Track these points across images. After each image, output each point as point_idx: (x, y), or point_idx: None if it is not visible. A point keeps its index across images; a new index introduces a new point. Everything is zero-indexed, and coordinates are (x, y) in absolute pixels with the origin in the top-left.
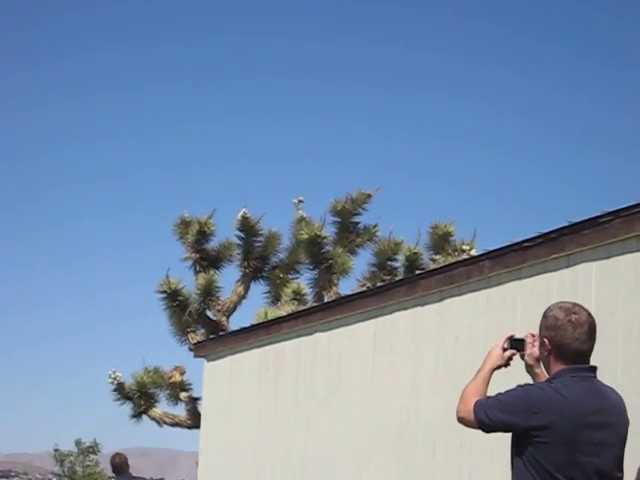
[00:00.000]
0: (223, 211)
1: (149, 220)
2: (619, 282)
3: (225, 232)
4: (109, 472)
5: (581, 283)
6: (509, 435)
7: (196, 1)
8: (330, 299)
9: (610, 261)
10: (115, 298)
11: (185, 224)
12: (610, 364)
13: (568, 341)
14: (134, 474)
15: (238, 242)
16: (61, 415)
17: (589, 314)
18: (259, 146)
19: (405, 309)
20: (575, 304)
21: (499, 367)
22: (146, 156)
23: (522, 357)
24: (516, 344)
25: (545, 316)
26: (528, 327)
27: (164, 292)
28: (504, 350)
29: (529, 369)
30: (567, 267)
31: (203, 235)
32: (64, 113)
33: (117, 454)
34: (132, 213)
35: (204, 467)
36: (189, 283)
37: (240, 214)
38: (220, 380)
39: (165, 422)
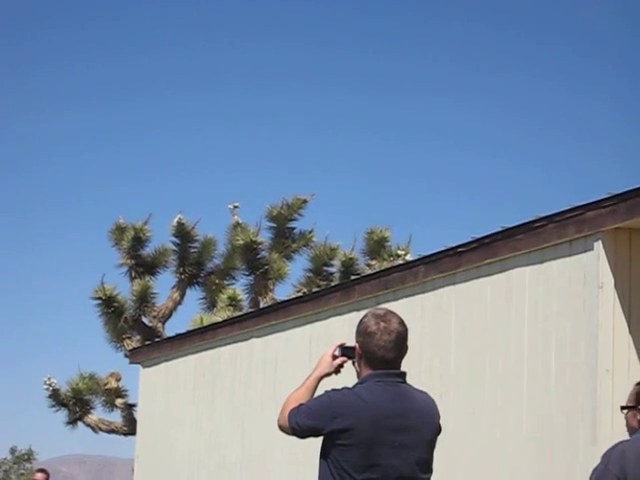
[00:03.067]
0: (159, 217)
1: (85, 225)
2: (552, 286)
3: (161, 238)
4: None
5: (515, 288)
6: None
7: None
8: (266, 305)
9: (543, 266)
10: (49, 302)
11: (120, 230)
12: (544, 369)
13: (375, 348)
14: None
15: (174, 248)
16: None
17: (400, 322)
18: (194, 152)
19: (341, 314)
20: (388, 311)
21: (328, 374)
22: (83, 162)
23: (354, 364)
24: (347, 352)
25: (360, 322)
26: (463, 332)
27: (99, 298)
28: (334, 358)
29: (359, 376)
30: (501, 272)
31: (139, 241)
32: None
33: (40, 469)
34: (68, 218)
35: (140, 474)
36: (124, 289)
37: (175, 220)
38: (156, 386)
39: (101, 429)
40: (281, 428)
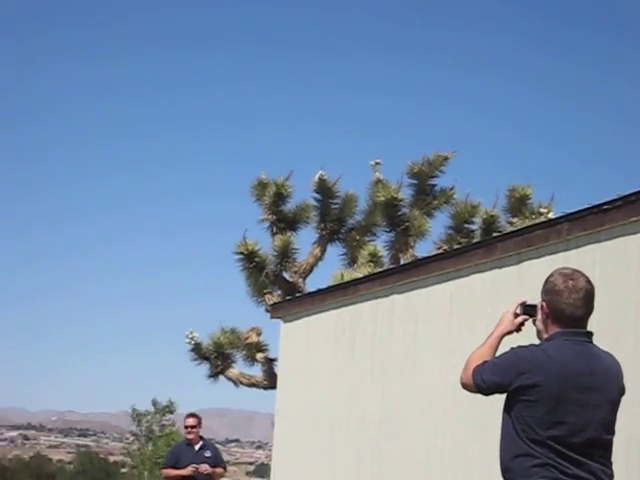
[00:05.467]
0: (300, 173)
1: (228, 180)
2: None
3: (302, 194)
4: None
5: None
6: None
7: None
8: (406, 261)
9: None
10: (193, 256)
11: (262, 186)
12: None
13: (563, 306)
14: (208, 435)
15: (315, 204)
16: (137, 375)
17: (588, 281)
18: (337, 109)
19: (482, 272)
20: (575, 270)
21: (510, 332)
22: (227, 115)
23: (534, 322)
24: (529, 310)
25: (546, 281)
26: (606, 290)
27: (241, 253)
28: (516, 316)
29: (539, 335)
30: None
31: (280, 197)
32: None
33: (191, 414)
34: (213, 173)
35: (280, 428)
36: (266, 245)
37: (317, 176)
38: (296, 341)
39: (242, 382)
40: (464, 386)
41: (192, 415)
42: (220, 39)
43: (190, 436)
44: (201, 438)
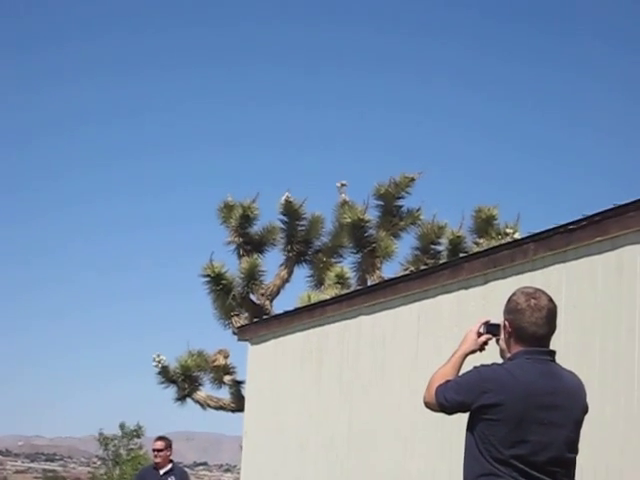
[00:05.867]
0: (266, 195)
1: (193, 203)
2: None
3: (268, 216)
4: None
5: (626, 266)
6: None
7: None
8: (373, 283)
9: None
10: (158, 281)
11: (228, 208)
12: None
13: (526, 325)
14: (176, 458)
15: (281, 226)
16: (105, 399)
17: (550, 299)
18: (303, 130)
19: (449, 292)
20: (537, 289)
21: (473, 352)
22: (191, 138)
23: (497, 342)
24: (492, 329)
25: (508, 300)
26: (572, 309)
27: (208, 276)
28: (479, 335)
29: (502, 354)
30: (612, 250)
31: (246, 219)
32: (108, 91)
33: (160, 437)
34: (177, 195)
35: (248, 451)
36: (233, 267)
37: (283, 198)
38: (264, 363)
39: (209, 405)
40: (427, 405)
41: (160, 438)
42: (180, 60)
43: (157, 460)
44: (171, 462)
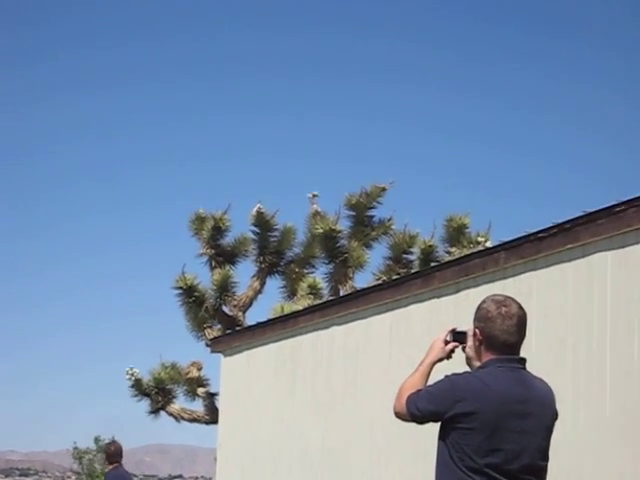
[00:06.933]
0: (238, 206)
1: (164, 216)
2: (635, 271)
3: (240, 227)
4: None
5: (596, 273)
6: None
7: None
8: (346, 293)
9: (625, 250)
10: (131, 293)
11: (200, 220)
12: (627, 354)
13: (497, 332)
14: (151, 472)
15: (253, 237)
16: (78, 413)
17: (520, 307)
18: (273, 141)
19: (421, 301)
20: (507, 297)
21: (440, 360)
22: (161, 152)
23: (463, 349)
24: (458, 337)
25: (478, 308)
26: (544, 317)
27: (180, 288)
28: (446, 343)
29: (469, 361)
30: (582, 257)
31: (218, 231)
32: (78, 108)
33: (112, 442)
34: (147, 209)
35: (223, 463)
36: (205, 279)
37: (255, 209)
38: (237, 375)
39: (183, 418)
40: (398, 415)
41: (112, 442)
42: (146, 74)
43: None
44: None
